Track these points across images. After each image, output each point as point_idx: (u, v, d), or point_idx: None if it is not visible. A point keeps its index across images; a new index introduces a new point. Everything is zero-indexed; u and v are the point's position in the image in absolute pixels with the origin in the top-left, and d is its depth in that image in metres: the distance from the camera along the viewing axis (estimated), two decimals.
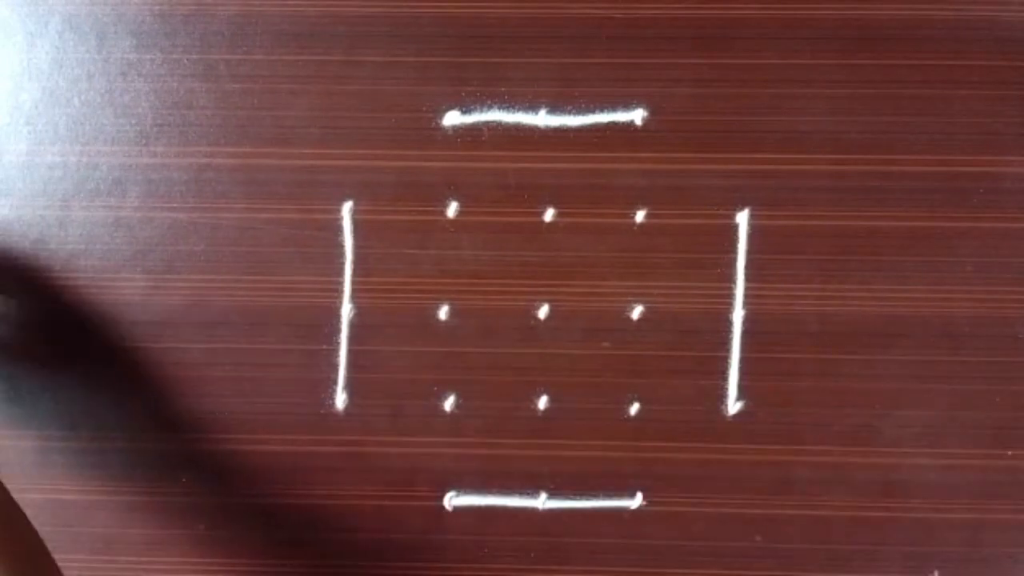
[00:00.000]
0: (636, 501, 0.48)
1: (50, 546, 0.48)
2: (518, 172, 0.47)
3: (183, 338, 0.48)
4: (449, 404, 0.48)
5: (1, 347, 0.48)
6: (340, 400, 0.48)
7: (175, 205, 0.48)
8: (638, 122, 0.47)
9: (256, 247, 0.48)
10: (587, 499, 0.48)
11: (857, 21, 0.47)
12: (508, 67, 0.47)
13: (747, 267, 0.47)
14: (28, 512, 0.48)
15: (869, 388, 0.48)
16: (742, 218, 0.47)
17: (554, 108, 0.47)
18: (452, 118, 0.47)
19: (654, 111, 0.47)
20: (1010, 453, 0.48)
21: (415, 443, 0.48)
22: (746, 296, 0.47)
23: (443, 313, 0.48)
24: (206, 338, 0.48)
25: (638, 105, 0.47)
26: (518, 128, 0.47)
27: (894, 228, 0.47)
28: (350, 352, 0.48)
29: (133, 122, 0.47)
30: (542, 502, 0.48)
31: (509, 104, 0.47)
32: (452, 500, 0.48)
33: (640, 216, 0.47)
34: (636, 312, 0.47)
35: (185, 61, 0.47)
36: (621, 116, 0.47)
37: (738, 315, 0.47)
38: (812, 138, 0.47)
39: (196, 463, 0.48)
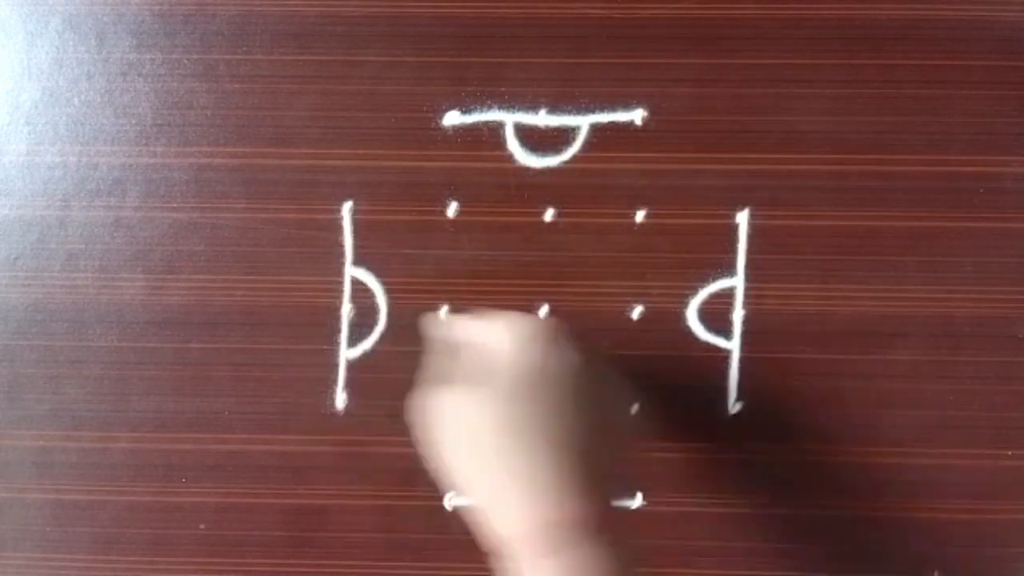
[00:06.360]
0: (636, 501, 0.48)
1: (50, 546, 0.49)
2: (518, 172, 0.47)
3: (183, 338, 0.48)
4: None
5: (2, 346, 0.48)
6: (340, 400, 0.48)
7: (175, 205, 0.48)
8: (638, 122, 0.47)
9: (256, 247, 0.48)
10: None
11: (857, 21, 0.47)
12: (508, 67, 0.47)
13: (747, 267, 0.47)
14: (28, 512, 0.49)
15: (869, 388, 0.48)
16: (742, 218, 0.47)
17: (554, 108, 0.47)
18: (452, 118, 0.47)
19: (654, 111, 0.47)
20: (1010, 453, 0.48)
21: (415, 443, 0.48)
22: (746, 296, 0.47)
23: (443, 313, 0.48)
24: (206, 338, 0.48)
25: (638, 105, 0.47)
26: (518, 128, 0.47)
27: (894, 228, 0.47)
28: (350, 352, 0.48)
29: (133, 122, 0.47)
30: None
31: (509, 104, 0.47)
32: (452, 500, 0.48)
33: (640, 216, 0.47)
34: (636, 312, 0.47)
35: (185, 61, 0.47)
36: (621, 116, 0.47)
37: (738, 315, 0.47)
38: (812, 138, 0.47)
39: (196, 463, 0.48)
